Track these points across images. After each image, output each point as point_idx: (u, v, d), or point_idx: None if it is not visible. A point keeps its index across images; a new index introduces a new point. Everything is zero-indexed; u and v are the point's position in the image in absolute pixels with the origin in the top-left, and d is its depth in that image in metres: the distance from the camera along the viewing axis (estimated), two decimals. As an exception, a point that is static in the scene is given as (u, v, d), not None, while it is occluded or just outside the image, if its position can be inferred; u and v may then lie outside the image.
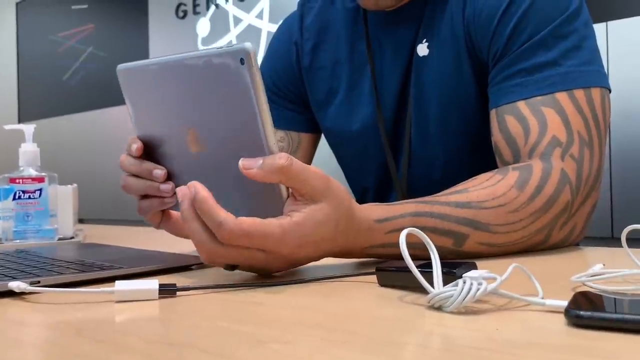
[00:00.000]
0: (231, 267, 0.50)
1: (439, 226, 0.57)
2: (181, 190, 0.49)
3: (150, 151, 0.61)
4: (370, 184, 0.89)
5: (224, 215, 0.46)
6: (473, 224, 0.58)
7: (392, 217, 0.55)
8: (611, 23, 1.56)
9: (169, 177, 0.60)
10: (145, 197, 0.62)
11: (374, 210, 0.55)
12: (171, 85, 0.55)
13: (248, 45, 0.45)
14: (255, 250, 0.47)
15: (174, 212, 0.64)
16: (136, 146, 0.60)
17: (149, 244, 0.75)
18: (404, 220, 0.55)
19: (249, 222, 0.46)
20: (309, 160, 0.97)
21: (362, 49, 0.85)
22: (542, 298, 0.38)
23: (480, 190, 0.60)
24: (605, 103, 0.68)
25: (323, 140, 0.97)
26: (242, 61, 0.46)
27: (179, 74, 0.54)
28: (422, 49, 0.78)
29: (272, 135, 0.48)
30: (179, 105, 0.56)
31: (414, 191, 0.83)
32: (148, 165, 0.60)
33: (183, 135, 0.55)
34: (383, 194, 0.88)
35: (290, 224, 0.47)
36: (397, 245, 0.54)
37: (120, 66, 0.59)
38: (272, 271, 0.52)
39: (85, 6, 3.28)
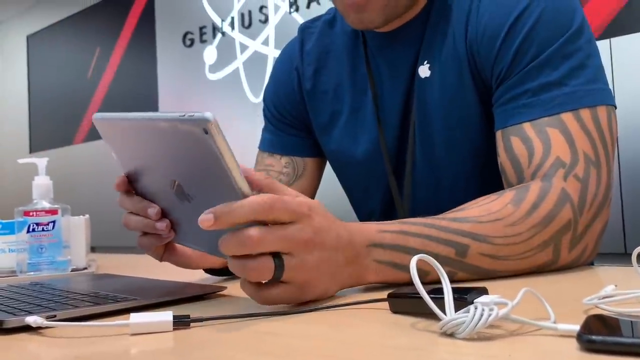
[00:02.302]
0: (278, 267, 0.49)
1: (434, 235, 0.58)
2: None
3: (140, 188, 0.62)
4: (376, 206, 0.89)
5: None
6: (471, 236, 0.59)
7: (385, 224, 0.58)
8: (614, 39, 1.57)
9: (163, 213, 0.60)
10: (145, 232, 0.62)
11: (364, 223, 0.58)
12: (145, 142, 0.56)
13: (208, 115, 0.45)
14: (296, 226, 0.49)
15: (177, 245, 0.64)
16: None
17: (160, 273, 0.76)
18: (393, 226, 0.58)
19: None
20: (315, 184, 0.98)
21: (363, 71, 0.85)
22: (554, 322, 0.38)
23: (475, 207, 0.62)
24: (611, 121, 0.69)
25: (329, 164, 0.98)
26: (205, 131, 0.45)
27: (150, 132, 0.54)
28: (424, 71, 0.79)
29: (247, 187, 0.48)
30: (158, 159, 0.56)
31: (418, 215, 0.83)
32: (143, 204, 0.60)
33: (168, 185, 0.56)
34: (389, 218, 0.88)
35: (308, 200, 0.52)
36: (395, 247, 0.56)
37: (96, 115, 0.59)
38: (309, 251, 0.50)
39: (92, 38, 3.34)
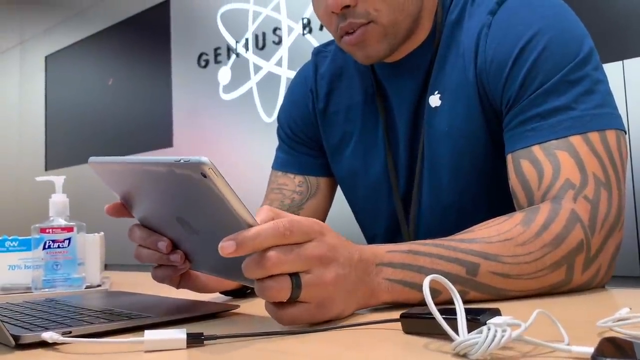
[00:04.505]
0: (296, 287, 0.49)
1: (444, 253, 0.58)
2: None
3: (146, 222, 0.62)
4: (382, 229, 0.90)
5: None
6: (482, 255, 0.59)
7: (393, 245, 0.59)
8: (627, 61, 1.57)
9: (173, 244, 0.60)
10: (159, 265, 0.63)
11: (372, 245, 0.58)
12: (145, 183, 0.56)
13: (204, 159, 0.45)
14: (311, 244, 0.50)
15: (192, 271, 0.64)
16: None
17: (173, 291, 0.76)
18: (402, 246, 0.58)
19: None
20: (328, 203, 0.99)
21: (374, 95, 0.87)
22: (568, 344, 0.38)
23: (485, 229, 0.62)
24: (621, 144, 0.69)
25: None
26: (203, 175, 0.46)
27: (148, 175, 0.54)
28: (435, 100, 0.80)
29: (252, 219, 0.48)
30: (160, 198, 0.57)
31: (425, 239, 0.83)
32: (153, 238, 0.61)
33: (174, 220, 0.56)
34: (394, 241, 0.88)
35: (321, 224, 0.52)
36: (406, 266, 0.57)
37: (92, 159, 0.59)
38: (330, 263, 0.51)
39: (109, 55, 3.40)
